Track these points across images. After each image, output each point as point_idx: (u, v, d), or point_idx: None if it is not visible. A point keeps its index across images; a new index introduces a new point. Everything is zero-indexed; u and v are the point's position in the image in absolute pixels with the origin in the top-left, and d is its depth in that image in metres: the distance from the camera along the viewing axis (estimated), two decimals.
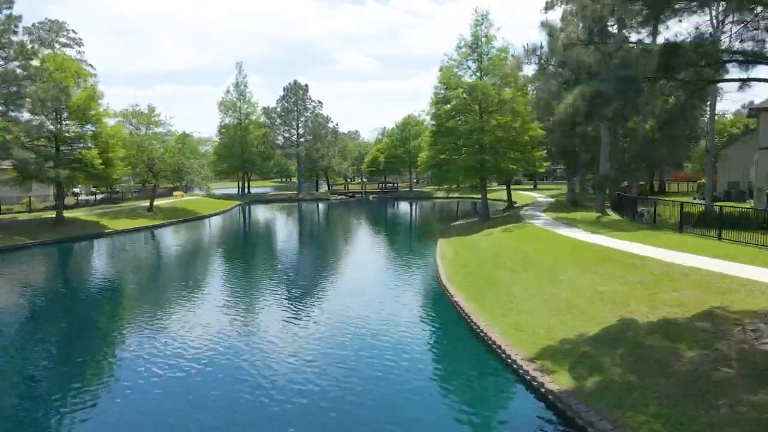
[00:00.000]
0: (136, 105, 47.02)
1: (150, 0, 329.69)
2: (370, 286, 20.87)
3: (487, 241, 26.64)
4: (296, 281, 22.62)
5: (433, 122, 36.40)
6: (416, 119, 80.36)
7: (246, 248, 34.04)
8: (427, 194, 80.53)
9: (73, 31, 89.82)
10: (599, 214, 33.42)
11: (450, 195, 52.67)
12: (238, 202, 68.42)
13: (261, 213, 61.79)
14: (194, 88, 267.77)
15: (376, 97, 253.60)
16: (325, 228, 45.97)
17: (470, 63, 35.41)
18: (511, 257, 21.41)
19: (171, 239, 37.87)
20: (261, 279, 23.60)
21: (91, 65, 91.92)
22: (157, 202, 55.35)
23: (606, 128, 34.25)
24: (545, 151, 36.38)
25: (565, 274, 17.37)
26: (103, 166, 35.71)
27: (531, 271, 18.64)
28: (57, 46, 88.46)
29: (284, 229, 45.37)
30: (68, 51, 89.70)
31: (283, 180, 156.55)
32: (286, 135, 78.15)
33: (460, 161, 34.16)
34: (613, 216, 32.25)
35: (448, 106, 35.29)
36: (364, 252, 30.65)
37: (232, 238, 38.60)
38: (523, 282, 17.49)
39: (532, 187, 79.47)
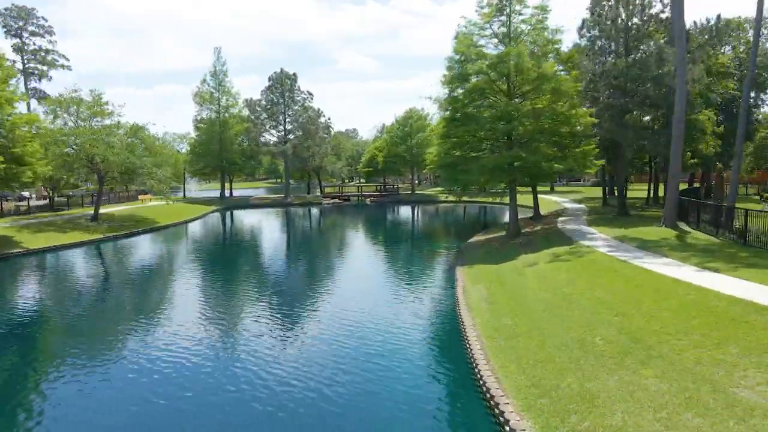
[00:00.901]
0: (76, 90, 37.95)
1: (150, 0, 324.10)
2: (348, 388, 11.86)
3: (536, 280, 17.61)
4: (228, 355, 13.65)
5: (448, 108, 27.34)
6: (419, 113, 71.48)
7: (189, 281, 25.01)
8: (430, 197, 71.62)
9: (44, 18, 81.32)
10: (673, 230, 24.46)
11: (461, 199, 43.69)
12: (215, 207, 59.44)
13: (236, 222, 52.75)
14: (194, 88, 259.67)
15: (376, 97, 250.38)
16: (304, 245, 36.86)
17: (495, 26, 26.41)
18: (597, 321, 12.40)
19: (94, 263, 28.82)
20: (190, 345, 14.59)
21: (63, 56, 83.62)
22: (110, 209, 46.49)
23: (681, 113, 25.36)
24: (594, 145, 27.30)
25: (741, 379, 8.42)
26: (5, 165, 26.70)
27: (656, 366, 9.63)
28: (25, 34, 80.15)
29: (251, 248, 36.30)
30: (38, 40, 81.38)
31: (278, 181, 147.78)
32: (272, 131, 69.10)
33: (484, 159, 25.21)
34: (698, 234, 23.25)
35: (466, 85, 26.29)
36: (346, 293, 21.49)
37: (178, 262, 29.43)
38: (656, 398, 8.47)
39: (548, 189, 70.54)
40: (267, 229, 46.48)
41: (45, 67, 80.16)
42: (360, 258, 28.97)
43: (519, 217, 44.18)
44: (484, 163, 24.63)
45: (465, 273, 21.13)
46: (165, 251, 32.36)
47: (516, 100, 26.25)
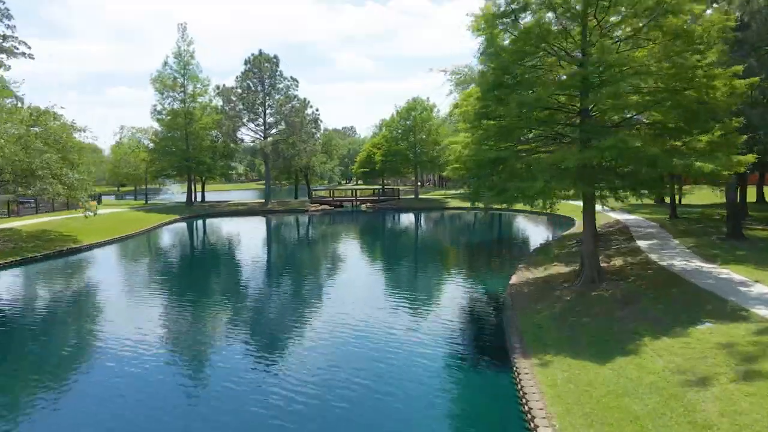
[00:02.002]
0: None
1: (150, 0, 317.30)
2: None
3: None
4: None
5: (487, 69, 16.34)
6: (424, 104, 60.58)
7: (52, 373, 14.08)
8: (437, 202, 60.75)
9: (2, 2, 71.11)
10: None
11: (489, 208, 33.46)
12: (175, 217, 48.44)
13: (192, 238, 41.88)
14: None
15: (375, 98, 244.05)
16: (261, 285, 25.68)
17: None
18: None
19: None
20: None
21: (24, 42, 73.13)
22: (21, 222, 35.68)
23: None
24: (734, 129, 16.26)
25: None
26: None
27: None
28: None
29: (187, 292, 25.31)
30: None
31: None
32: (250, 124, 58.11)
33: (558, 154, 14.20)
34: None
35: (516, 29, 15.32)
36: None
37: (57, 323, 18.58)
38: None
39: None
40: (227, 251, 35.54)
41: (3, 55, 69.60)
42: (333, 322, 17.83)
43: (562, 234, 33.38)
44: (561, 162, 13.51)
45: (542, 386, 10.17)
46: (50, 295, 21.33)
47: (602, 44, 15.10)
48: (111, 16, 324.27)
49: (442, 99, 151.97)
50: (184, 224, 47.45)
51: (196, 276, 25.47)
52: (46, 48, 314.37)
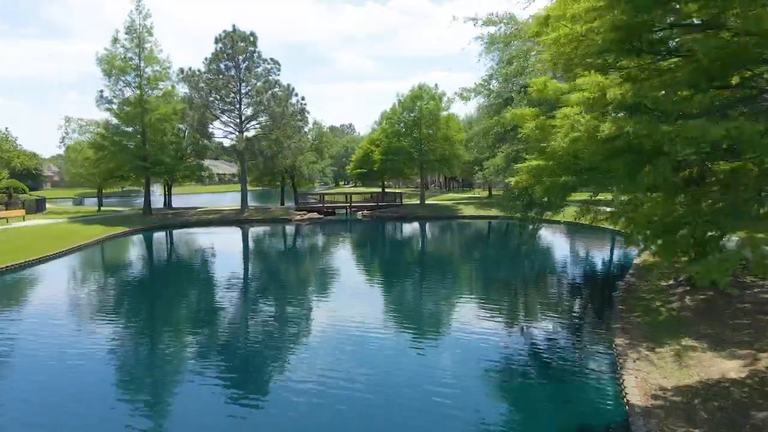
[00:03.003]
0: None
1: (149, 1, 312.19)
2: None
3: None
4: None
5: None
6: (431, 92, 50.72)
7: None
8: (447, 210, 50.96)
9: None
10: None
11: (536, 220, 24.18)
12: (121, 230, 38.55)
13: (117, 266, 32.16)
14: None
15: (375, 98, 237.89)
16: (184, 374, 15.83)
17: None
18: None
19: None
20: None
21: None
22: None
23: None
24: None
25: None
26: None
27: None
28: None
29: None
30: None
31: (257, 185, 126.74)
32: (223, 116, 48.33)
33: None
34: None
35: None
36: None
37: None
38: None
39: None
40: (163, 291, 25.83)
41: None
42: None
43: (635, 263, 23.33)
44: None
45: None
46: None
47: None
48: (111, 16, 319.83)
49: (468, 66, 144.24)
50: (129, 239, 37.61)
51: (96, 340, 15.59)
52: (46, 48, 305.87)
